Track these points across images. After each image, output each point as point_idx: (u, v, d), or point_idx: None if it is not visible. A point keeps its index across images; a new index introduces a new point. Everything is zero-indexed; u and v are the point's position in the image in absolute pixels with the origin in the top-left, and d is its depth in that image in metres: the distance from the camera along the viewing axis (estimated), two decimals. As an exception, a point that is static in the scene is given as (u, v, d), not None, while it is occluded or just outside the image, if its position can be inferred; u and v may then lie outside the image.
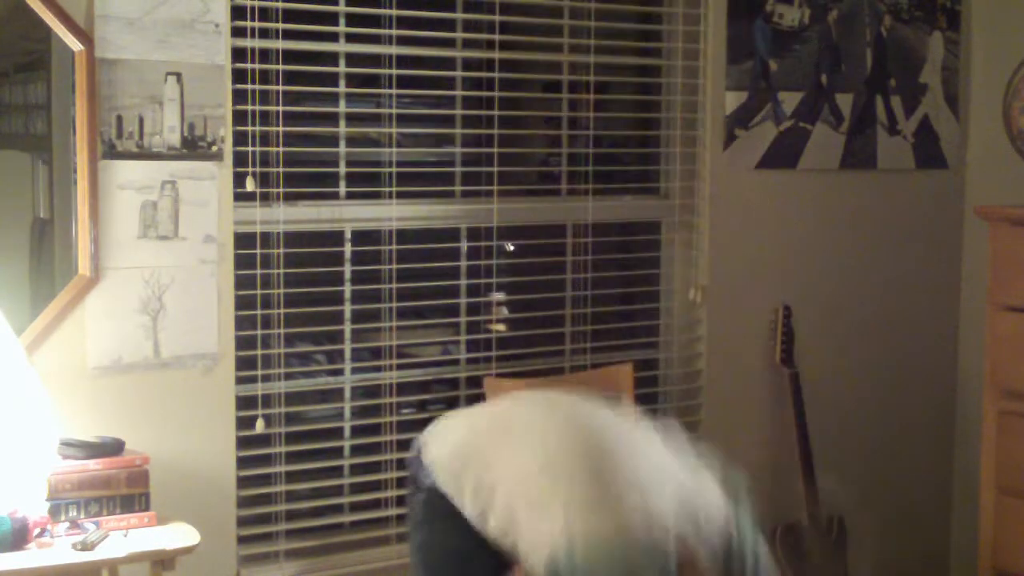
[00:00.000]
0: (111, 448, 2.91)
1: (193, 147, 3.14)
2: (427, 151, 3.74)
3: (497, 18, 3.59)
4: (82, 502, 2.83)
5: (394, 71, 3.46)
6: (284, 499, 3.39)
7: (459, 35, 3.58)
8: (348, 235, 3.47)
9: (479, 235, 3.64)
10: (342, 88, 3.44)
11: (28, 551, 2.69)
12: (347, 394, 3.52)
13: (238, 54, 3.21)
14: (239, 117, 3.22)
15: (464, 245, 3.64)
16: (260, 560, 3.37)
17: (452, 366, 3.66)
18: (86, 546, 2.70)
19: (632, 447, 2.52)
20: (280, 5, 3.28)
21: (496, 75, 3.59)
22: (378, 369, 3.52)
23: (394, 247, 3.49)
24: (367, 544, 3.49)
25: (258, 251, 3.29)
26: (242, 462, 3.30)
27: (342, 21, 3.41)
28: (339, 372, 3.52)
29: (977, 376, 3.98)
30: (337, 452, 3.50)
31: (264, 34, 3.26)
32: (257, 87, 3.24)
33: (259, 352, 3.34)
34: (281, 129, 3.29)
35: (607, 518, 2.35)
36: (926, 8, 4.30)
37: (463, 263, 3.64)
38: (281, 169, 3.29)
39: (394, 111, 3.49)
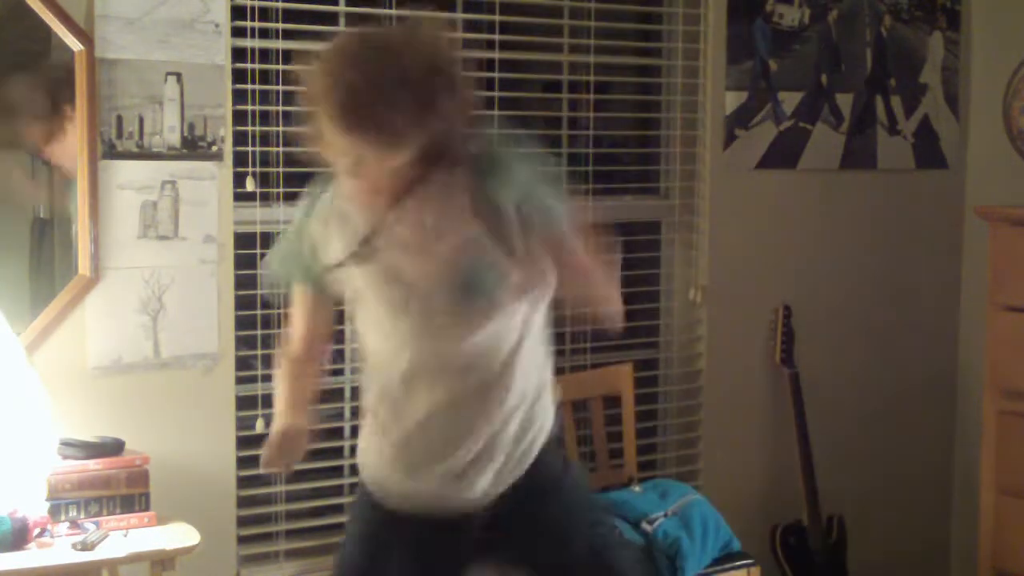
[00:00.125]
0: (111, 448, 2.91)
1: (193, 147, 3.14)
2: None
3: (497, 18, 3.59)
4: (82, 502, 2.83)
5: (394, 71, 3.46)
6: (284, 499, 3.39)
7: (459, 35, 3.57)
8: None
9: (479, 235, 3.63)
10: (342, 88, 3.43)
11: (28, 551, 2.69)
12: (347, 394, 3.52)
13: (238, 54, 3.21)
14: (239, 117, 3.23)
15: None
16: (260, 560, 3.37)
17: (452, 366, 3.65)
18: (86, 546, 2.70)
19: None
20: (280, 5, 3.28)
21: (496, 75, 3.59)
22: (378, 369, 3.52)
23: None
24: (367, 544, 3.49)
25: (258, 251, 3.28)
26: (242, 462, 3.30)
27: (342, 21, 3.41)
28: (339, 372, 3.52)
29: (977, 376, 3.98)
30: (337, 452, 3.50)
31: (264, 34, 3.26)
32: (257, 87, 3.24)
33: (259, 352, 3.34)
34: (281, 129, 3.29)
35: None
36: (926, 8, 4.30)
37: (463, 263, 3.63)
38: (281, 169, 3.29)
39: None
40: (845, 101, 4.15)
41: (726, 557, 3.45)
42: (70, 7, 2.97)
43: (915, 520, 4.38)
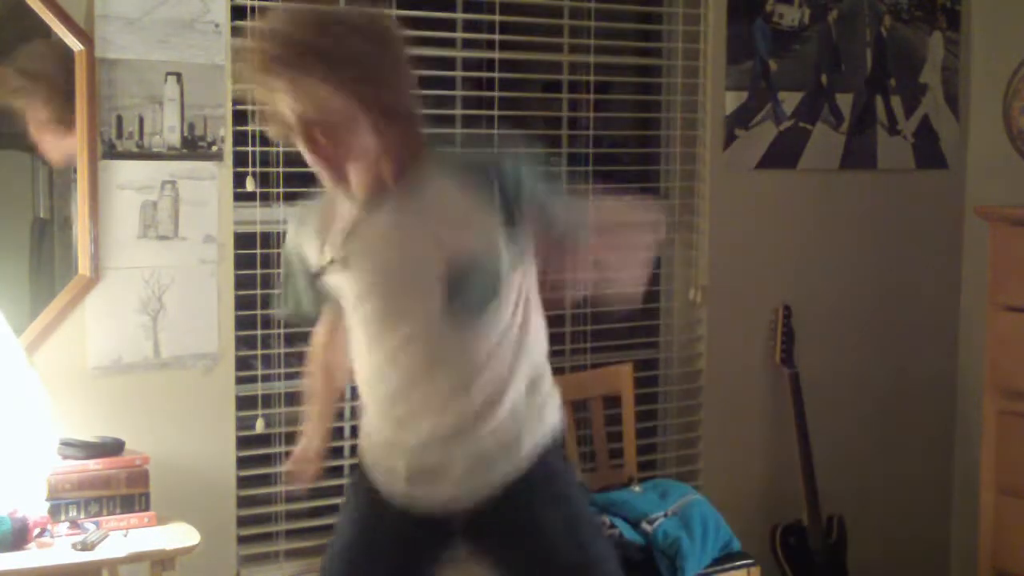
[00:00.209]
0: (111, 448, 2.91)
1: (193, 147, 3.15)
2: (427, 151, 3.74)
3: (497, 18, 3.59)
4: (82, 502, 2.83)
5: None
6: (284, 499, 3.39)
7: (459, 35, 3.58)
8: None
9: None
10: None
11: (28, 551, 2.69)
12: (347, 394, 3.52)
13: (238, 54, 3.20)
14: (239, 117, 3.22)
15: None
16: (260, 560, 3.37)
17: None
18: (86, 546, 2.70)
19: None
20: (280, 5, 3.27)
21: (496, 75, 3.59)
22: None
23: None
24: (367, 544, 3.49)
25: (258, 251, 3.29)
26: (242, 462, 3.31)
27: (342, 21, 3.41)
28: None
29: (977, 376, 3.98)
30: (337, 452, 3.50)
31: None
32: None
33: (259, 352, 3.34)
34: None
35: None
36: (926, 8, 4.30)
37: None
38: (281, 169, 3.29)
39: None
40: (845, 101, 4.15)
41: (726, 557, 3.45)
42: (70, 7, 2.97)
43: (915, 520, 4.38)
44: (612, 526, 3.35)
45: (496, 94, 3.60)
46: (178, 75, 3.11)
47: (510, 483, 2.37)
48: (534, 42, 3.80)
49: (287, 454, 3.32)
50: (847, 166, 4.18)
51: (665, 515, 3.41)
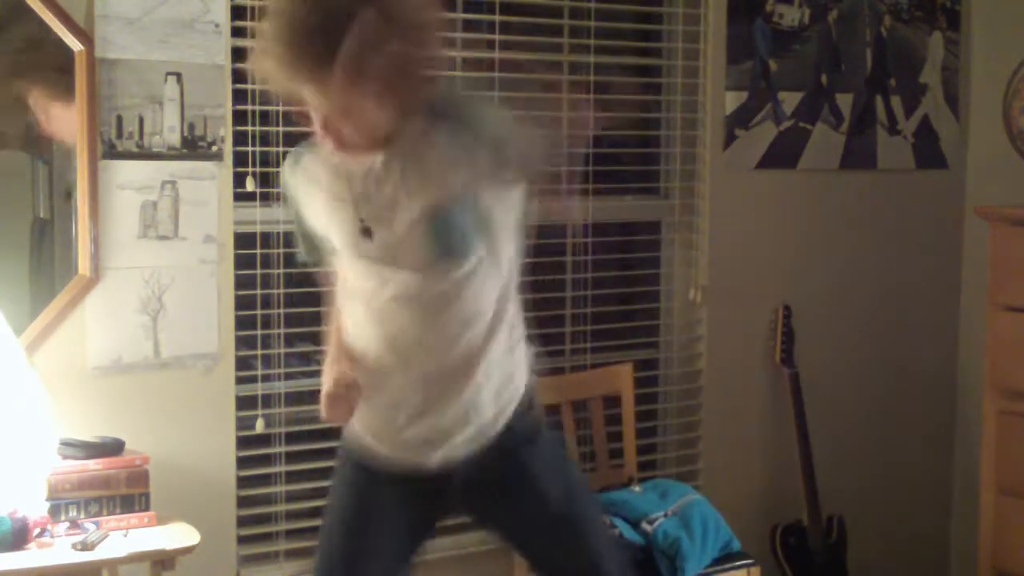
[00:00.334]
0: (111, 448, 2.91)
1: (193, 147, 3.14)
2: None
3: (497, 18, 3.59)
4: (82, 502, 2.83)
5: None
6: (284, 499, 3.39)
7: (459, 35, 3.57)
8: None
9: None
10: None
11: (28, 551, 2.69)
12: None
13: (238, 54, 3.21)
14: (239, 117, 3.22)
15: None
16: (260, 560, 3.37)
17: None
18: (86, 546, 2.70)
19: None
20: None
21: (496, 75, 3.59)
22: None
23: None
24: (367, 544, 3.49)
25: (258, 251, 3.29)
26: (242, 462, 3.31)
27: (342, 21, 3.41)
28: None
29: (977, 376, 3.98)
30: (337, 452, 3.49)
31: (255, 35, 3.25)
32: (257, 87, 3.24)
33: (259, 352, 3.34)
34: (281, 129, 3.29)
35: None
36: (926, 8, 4.30)
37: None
38: (281, 169, 3.28)
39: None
40: (845, 101, 4.14)
41: (726, 557, 3.45)
42: (70, 7, 2.97)
43: (915, 520, 4.38)
44: (612, 526, 3.35)
45: (496, 94, 3.59)
46: (178, 75, 3.11)
47: (495, 438, 2.40)
48: (534, 42, 3.80)
49: (287, 454, 3.34)
50: (847, 166, 4.18)
51: (665, 515, 3.41)
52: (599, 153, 3.81)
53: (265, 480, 3.38)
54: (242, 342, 3.30)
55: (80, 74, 2.98)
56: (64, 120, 3.02)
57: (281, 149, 3.28)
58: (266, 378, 3.35)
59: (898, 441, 4.35)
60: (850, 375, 4.23)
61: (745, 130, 3.96)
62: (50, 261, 3.13)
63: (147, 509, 2.90)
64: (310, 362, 3.53)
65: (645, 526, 3.38)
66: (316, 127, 2.24)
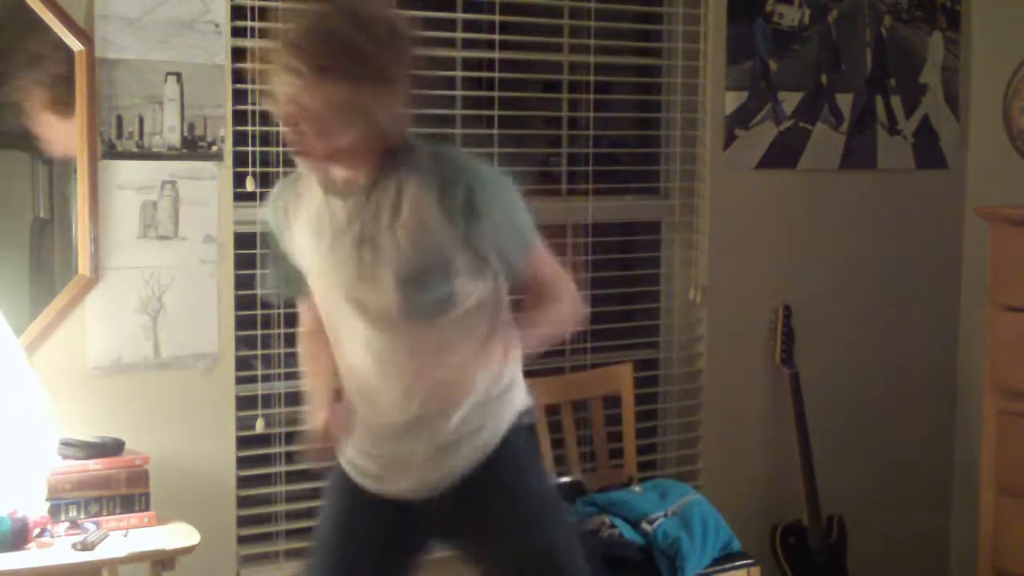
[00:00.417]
0: (111, 448, 2.91)
1: (193, 147, 3.14)
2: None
3: (497, 18, 3.59)
4: (82, 502, 2.83)
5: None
6: (284, 499, 3.39)
7: (459, 35, 3.57)
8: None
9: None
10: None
11: (28, 551, 2.69)
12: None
13: (238, 54, 3.21)
14: (239, 117, 3.22)
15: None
16: (260, 560, 3.37)
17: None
18: (86, 546, 2.70)
19: None
20: (280, 5, 3.27)
21: (496, 75, 3.59)
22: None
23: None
24: (367, 544, 3.49)
25: (258, 251, 3.28)
26: (242, 462, 3.30)
27: (342, 21, 3.40)
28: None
29: (977, 376, 3.98)
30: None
31: (264, 34, 3.25)
32: (257, 87, 3.24)
33: (259, 352, 3.34)
34: (281, 129, 3.28)
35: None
36: (926, 8, 4.30)
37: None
38: (281, 169, 3.28)
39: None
40: (845, 101, 4.14)
41: (726, 557, 3.45)
42: (70, 7, 2.97)
43: (915, 520, 4.38)
44: (612, 526, 3.35)
45: (496, 94, 3.60)
46: (178, 75, 3.11)
47: (473, 470, 2.41)
48: (534, 42, 3.80)
49: (287, 454, 3.34)
50: (847, 166, 4.18)
51: (665, 515, 3.42)
52: (599, 153, 3.81)
53: (265, 480, 3.37)
54: (242, 342, 3.30)
55: (80, 74, 2.98)
56: (61, 127, 3.02)
57: (281, 149, 3.28)
58: (266, 378, 3.35)
59: (898, 441, 4.35)
60: (850, 375, 4.23)
61: (745, 130, 3.96)
62: (50, 261, 3.13)
63: (147, 509, 2.90)
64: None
65: (645, 526, 3.38)
66: (290, 136, 2.27)
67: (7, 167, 3.11)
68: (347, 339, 2.39)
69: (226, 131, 3.18)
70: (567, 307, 2.41)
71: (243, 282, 3.27)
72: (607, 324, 3.89)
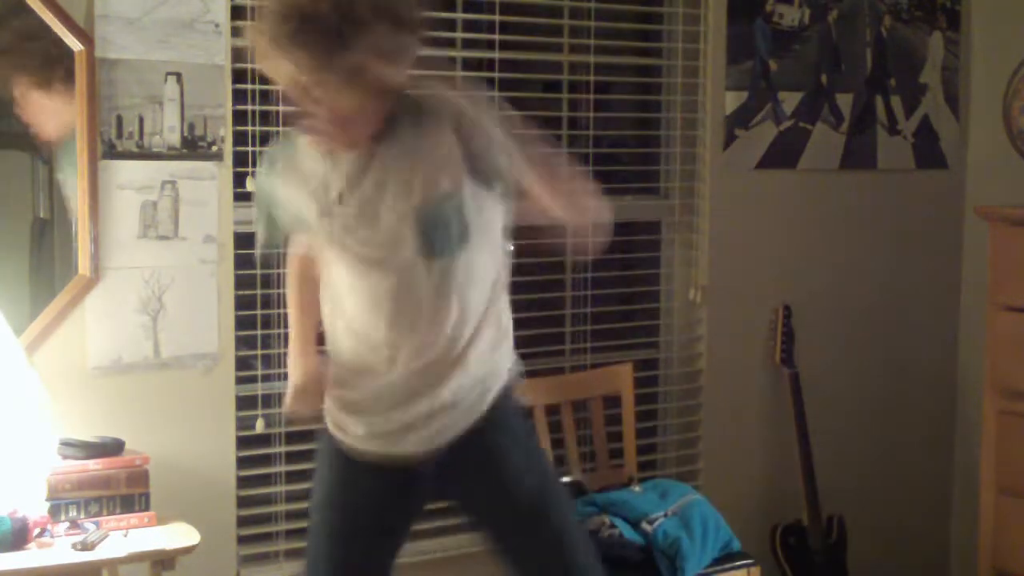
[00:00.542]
0: (111, 448, 2.91)
1: (193, 147, 3.14)
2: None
3: (497, 18, 3.59)
4: (82, 502, 2.83)
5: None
6: (284, 499, 3.39)
7: (459, 35, 3.57)
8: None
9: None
10: (342, 88, 3.43)
11: (28, 551, 2.69)
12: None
13: (238, 54, 3.21)
14: (239, 117, 3.22)
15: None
16: (260, 560, 3.37)
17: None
18: (86, 546, 2.70)
19: None
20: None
21: (496, 75, 3.59)
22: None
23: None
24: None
25: (258, 251, 3.28)
26: (242, 462, 3.30)
27: (342, 21, 3.40)
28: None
29: (977, 376, 3.98)
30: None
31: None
32: (257, 87, 3.24)
33: (259, 352, 3.34)
34: (281, 129, 3.29)
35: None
36: (926, 8, 4.30)
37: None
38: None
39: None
40: (845, 101, 4.15)
41: (726, 557, 3.45)
42: (70, 7, 2.97)
43: (915, 520, 4.38)
44: (612, 526, 3.35)
45: (496, 94, 3.59)
46: (178, 75, 3.11)
47: (472, 427, 2.44)
48: (534, 42, 3.80)
49: (287, 454, 3.34)
50: (847, 166, 4.18)
51: (665, 515, 3.41)
52: (599, 153, 3.81)
53: (265, 480, 3.38)
54: (242, 342, 3.30)
55: (80, 74, 2.98)
56: (50, 107, 3.03)
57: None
58: (266, 378, 3.35)
59: (898, 441, 4.35)
60: (850, 375, 4.23)
61: (745, 130, 3.96)
62: (50, 261, 3.12)
63: (147, 509, 2.90)
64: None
65: (645, 526, 3.38)
66: (303, 113, 2.28)
67: (7, 167, 3.11)
68: (355, 294, 2.39)
69: (226, 131, 3.18)
70: (579, 195, 2.43)
71: (243, 282, 3.27)
72: (607, 324, 3.89)
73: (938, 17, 4.33)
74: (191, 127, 3.14)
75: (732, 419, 4.02)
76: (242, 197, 3.25)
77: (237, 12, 3.19)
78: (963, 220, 4.40)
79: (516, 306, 2.57)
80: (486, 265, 2.41)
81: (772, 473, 4.09)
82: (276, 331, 3.32)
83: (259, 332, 3.32)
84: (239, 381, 3.28)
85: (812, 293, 4.13)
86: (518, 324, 2.57)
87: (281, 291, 3.29)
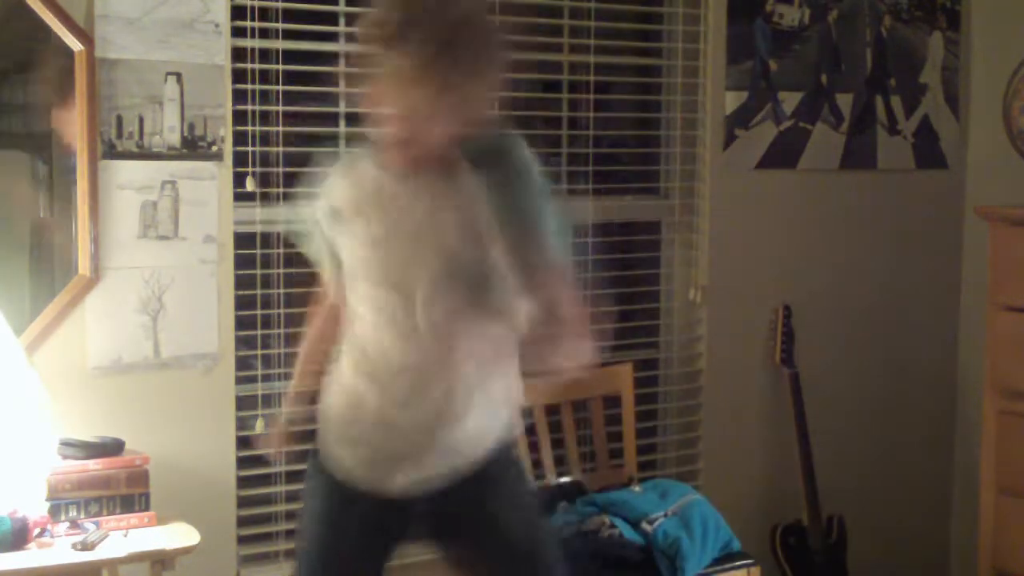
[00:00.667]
0: (111, 448, 2.91)
1: (193, 147, 3.15)
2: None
3: (497, 18, 3.59)
4: (82, 502, 2.83)
5: (394, 71, 3.46)
6: (284, 499, 3.39)
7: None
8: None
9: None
10: (342, 88, 3.44)
11: (28, 551, 2.69)
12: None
13: (238, 54, 3.21)
14: (239, 117, 3.23)
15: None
16: (260, 560, 3.37)
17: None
18: (86, 546, 2.70)
19: None
20: (280, 5, 3.28)
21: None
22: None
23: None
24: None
25: (258, 251, 3.29)
26: (242, 462, 3.30)
27: (342, 21, 3.41)
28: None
29: (977, 376, 3.98)
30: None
31: (264, 34, 3.26)
32: (257, 87, 3.24)
33: (259, 352, 3.34)
34: (281, 129, 3.29)
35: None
36: (926, 8, 4.30)
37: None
38: (281, 169, 3.29)
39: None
40: (845, 101, 4.15)
41: (726, 557, 3.45)
42: (70, 7, 2.97)
43: (915, 520, 4.38)
44: (612, 526, 3.35)
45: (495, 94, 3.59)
46: (178, 75, 3.11)
47: (471, 470, 2.42)
48: (534, 42, 3.79)
49: (287, 454, 3.34)
50: (847, 166, 4.18)
51: (665, 515, 3.41)
52: (599, 153, 3.81)
53: (265, 480, 3.37)
54: (242, 342, 3.30)
55: (80, 74, 2.98)
56: (64, 118, 3.03)
57: (281, 149, 3.29)
58: (266, 378, 3.35)
59: (898, 441, 4.35)
60: (850, 375, 4.23)
61: (745, 130, 3.96)
62: (50, 261, 3.13)
63: (147, 509, 2.90)
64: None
65: (645, 526, 3.38)
66: (391, 122, 2.29)
67: (7, 167, 3.11)
68: (380, 320, 2.37)
69: (226, 131, 3.18)
70: (572, 339, 2.34)
71: (243, 282, 3.27)
72: (607, 324, 3.88)
73: (938, 17, 4.33)
74: (191, 127, 3.14)
75: (732, 419, 4.02)
76: (242, 197, 3.25)
77: (237, 12, 3.19)
78: (963, 220, 4.40)
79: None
80: (502, 314, 2.38)
81: (772, 473, 4.09)
82: (276, 331, 3.33)
83: (259, 332, 3.32)
84: (239, 381, 3.28)
85: (812, 293, 4.13)
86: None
87: (280, 291, 3.31)
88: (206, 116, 3.15)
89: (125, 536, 2.81)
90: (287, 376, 3.31)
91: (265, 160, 3.29)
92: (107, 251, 3.06)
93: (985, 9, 4.36)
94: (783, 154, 4.04)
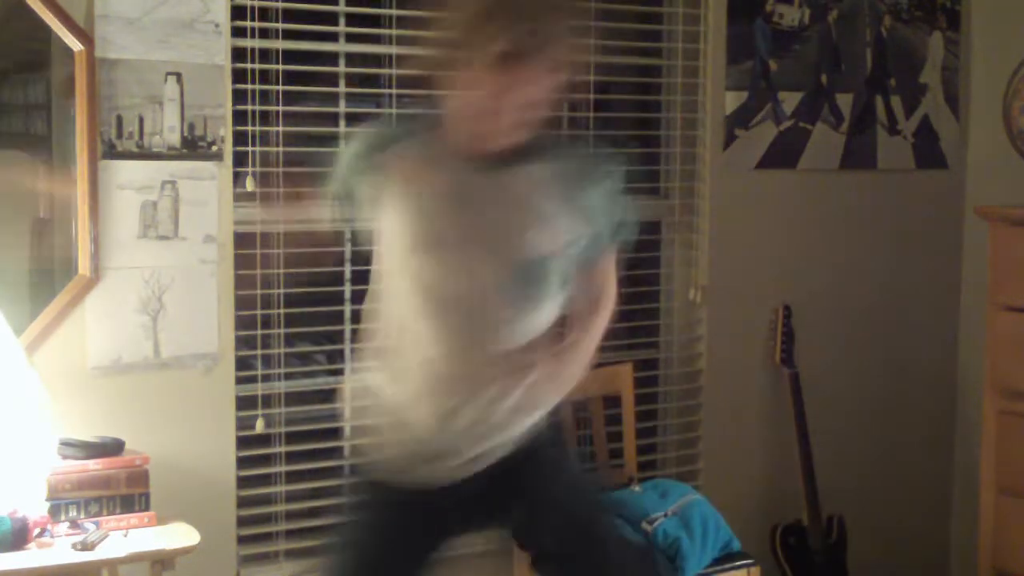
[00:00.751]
0: (111, 448, 2.91)
1: (193, 147, 3.15)
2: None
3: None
4: (82, 502, 2.83)
5: (394, 71, 3.47)
6: (284, 499, 3.39)
7: (459, 35, 3.57)
8: (348, 235, 3.47)
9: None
10: (342, 88, 3.44)
11: (28, 551, 2.69)
12: (347, 394, 3.51)
13: (238, 54, 3.21)
14: (239, 117, 3.23)
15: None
16: (260, 560, 3.37)
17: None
18: (86, 546, 2.70)
19: None
20: (280, 5, 3.28)
21: (496, 75, 3.59)
22: (378, 369, 3.51)
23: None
24: (367, 544, 3.49)
25: (258, 251, 3.29)
26: (242, 462, 3.31)
27: (342, 21, 3.41)
28: (339, 372, 3.52)
29: (977, 376, 3.98)
30: (337, 452, 3.50)
31: (264, 34, 3.26)
32: (257, 87, 3.24)
33: (259, 352, 3.34)
34: (281, 129, 3.29)
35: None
36: (926, 8, 4.30)
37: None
38: (281, 169, 3.29)
39: (394, 111, 3.49)
40: (845, 101, 4.14)
41: (726, 557, 3.45)
42: (70, 7, 2.97)
43: (915, 520, 4.38)
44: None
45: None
46: (178, 75, 3.11)
47: (520, 448, 2.41)
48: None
49: (287, 454, 3.34)
50: (847, 166, 4.18)
51: (665, 515, 3.42)
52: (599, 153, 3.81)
53: (265, 480, 3.38)
54: (242, 342, 3.30)
55: (80, 74, 2.98)
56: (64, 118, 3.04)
57: (281, 149, 3.29)
58: (266, 378, 3.35)
59: (898, 441, 4.35)
60: (850, 375, 4.23)
61: (745, 130, 3.96)
62: (50, 261, 3.13)
63: (147, 509, 2.90)
64: (310, 362, 3.54)
65: (645, 526, 3.38)
66: (491, 91, 2.22)
67: (7, 167, 3.11)
68: (431, 308, 2.33)
69: (226, 131, 3.18)
70: (602, 319, 2.43)
71: (243, 282, 3.27)
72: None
73: (938, 17, 4.33)
74: (191, 127, 3.14)
75: (732, 419, 4.02)
76: (242, 197, 3.25)
77: (237, 12, 3.19)
78: (963, 220, 4.40)
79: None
80: (554, 311, 2.38)
81: (772, 473, 4.09)
82: (276, 331, 3.33)
83: (259, 332, 3.32)
84: (239, 381, 3.28)
85: (812, 293, 4.13)
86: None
87: (280, 291, 3.30)
88: (206, 116, 3.15)
89: (125, 536, 2.81)
90: (287, 376, 3.32)
91: (265, 160, 3.29)
92: (107, 251, 3.06)
93: (985, 9, 4.36)
94: (783, 154, 4.04)
